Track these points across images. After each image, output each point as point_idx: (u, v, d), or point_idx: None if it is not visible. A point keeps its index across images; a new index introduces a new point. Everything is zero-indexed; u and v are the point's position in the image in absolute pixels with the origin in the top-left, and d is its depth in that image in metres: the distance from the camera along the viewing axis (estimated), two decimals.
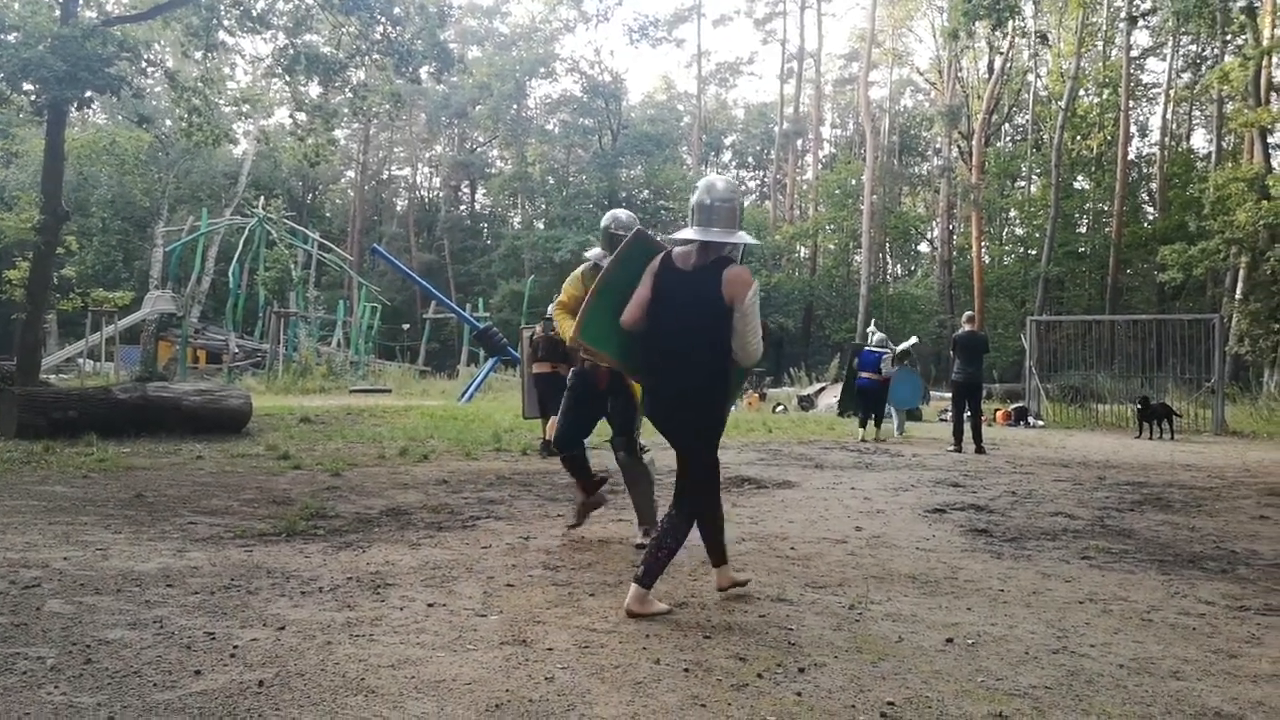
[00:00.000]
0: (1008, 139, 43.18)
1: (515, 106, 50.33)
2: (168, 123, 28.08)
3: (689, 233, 3.59)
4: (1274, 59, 23.47)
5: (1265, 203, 19.73)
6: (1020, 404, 17.33)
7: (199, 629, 3.18)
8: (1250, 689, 2.81)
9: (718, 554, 3.79)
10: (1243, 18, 22.08)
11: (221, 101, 17.04)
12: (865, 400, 12.85)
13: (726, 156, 57.06)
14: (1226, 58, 27.10)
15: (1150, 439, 13.46)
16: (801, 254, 46.02)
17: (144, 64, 13.28)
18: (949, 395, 14.23)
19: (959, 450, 11.03)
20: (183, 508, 5.75)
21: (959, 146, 39.58)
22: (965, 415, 11.42)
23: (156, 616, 3.33)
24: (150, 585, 3.79)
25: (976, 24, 17.02)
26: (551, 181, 50.67)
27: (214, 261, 32.54)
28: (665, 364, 3.58)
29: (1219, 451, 11.58)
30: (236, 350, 26.44)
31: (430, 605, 3.58)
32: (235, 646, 3.00)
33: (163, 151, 32.32)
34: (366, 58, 14.44)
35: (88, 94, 11.65)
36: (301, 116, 15.21)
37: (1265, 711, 2.62)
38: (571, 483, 5.16)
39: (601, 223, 5.00)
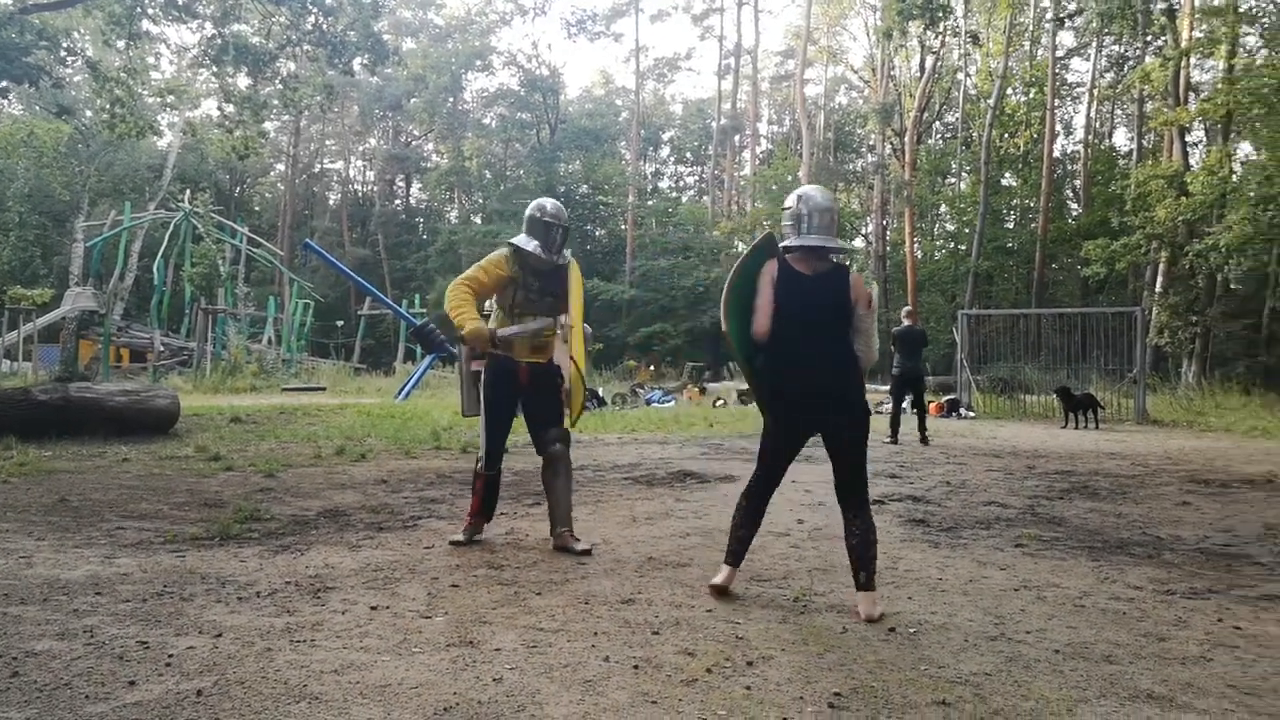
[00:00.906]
0: (939, 136, 44.06)
1: (451, 100, 49.78)
2: (89, 114, 27.14)
3: (798, 240, 3.70)
4: (1192, 60, 24.35)
5: (1183, 199, 20.46)
6: (952, 396, 17.71)
7: (131, 638, 3.08)
8: (1179, 670, 2.92)
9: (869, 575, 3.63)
10: (1163, 20, 22.87)
11: (145, 92, 16.51)
12: None
13: (665, 152, 57.16)
14: (1147, 58, 28.02)
15: (1076, 428, 13.86)
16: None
17: (63, 53, 12.82)
18: (885, 388, 14.46)
19: (895, 442, 11.22)
20: (109, 512, 5.56)
21: (892, 144, 40.26)
22: (903, 408, 11.65)
23: (86, 626, 3.21)
24: (78, 594, 3.66)
25: (910, 24, 17.35)
26: (489, 176, 50.22)
27: (138, 257, 31.55)
28: (811, 368, 3.63)
29: (1141, 440, 11.98)
30: (162, 349, 25.67)
31: (373, 608, 3.53)
32: (170, 655, 2.91)
33: (83, 143, 31.25)
34: (298, 48, 14.12)
35: (4, 84, 11.19)
36: (229, 108, 14.80)
37: (1194, 692, 2.72)
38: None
39: (527, 212, 4.76)
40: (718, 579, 3.79)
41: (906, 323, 11.99)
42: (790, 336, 3.61)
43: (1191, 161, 23.66)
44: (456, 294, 4.54)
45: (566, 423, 4.77)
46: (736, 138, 49.23)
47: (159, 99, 18.39)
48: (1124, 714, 2.54)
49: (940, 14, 13.65)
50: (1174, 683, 2.80)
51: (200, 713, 2.45)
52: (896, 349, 11.91)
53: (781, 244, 3.78)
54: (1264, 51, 22.89)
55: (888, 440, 11.31)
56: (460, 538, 4.73)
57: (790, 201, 3.81)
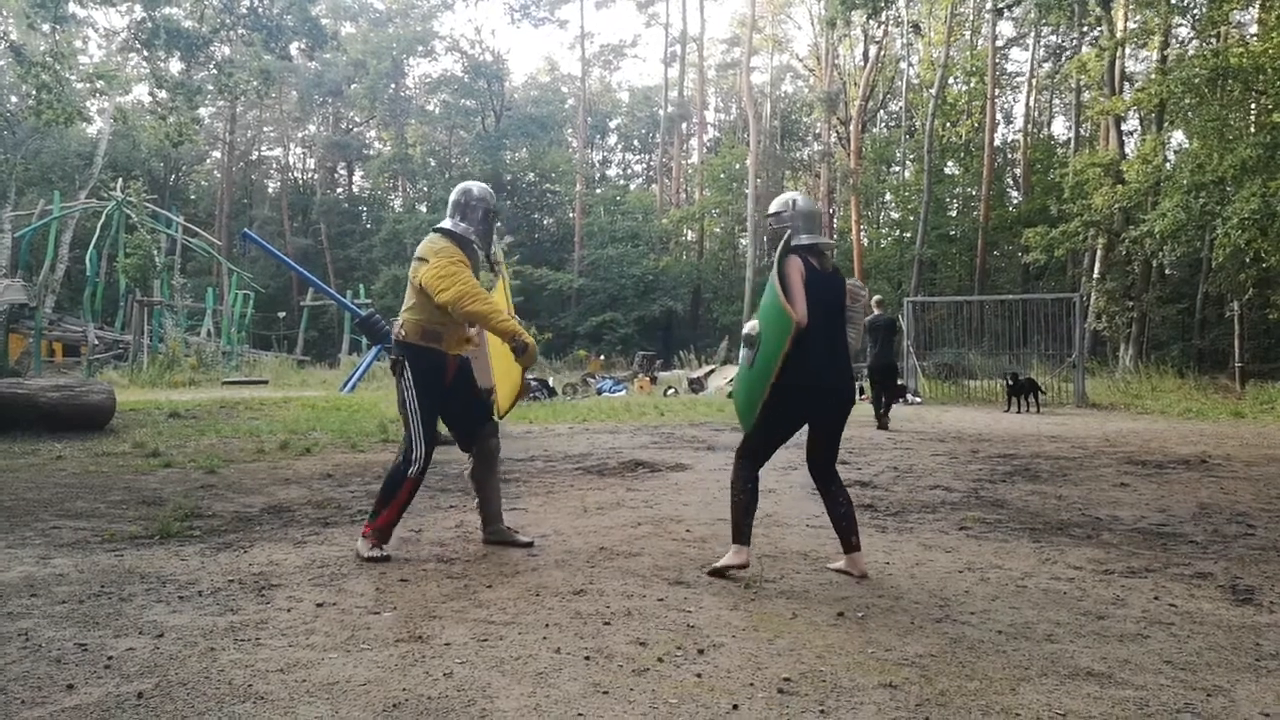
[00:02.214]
0: (883, 125, 44.55)
1: (393, 86, 49.00)
2: (13, 100, 26.27)
3: (808, 239, 3.97)
4: (1127, 50, 24.95)
5: (1119, 187, 20.97)
6: (900, 382, 17.96)
7: (69, 640, 2.99)
8: (1118, 648, 2.99)
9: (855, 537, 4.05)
10: (1098, 10, 23.35)
11: (73, 77, 15.97)
12: None
13: (612, 140, 57.01)
14: (1084, 49, 28.63)
15: (1018, 412, 14.16)
16: (689, 237, 46.53)
17: None
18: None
19: (885, 427, 11.20)
20: (44, 511, 5.39)
21: (838, 132, 40.62)
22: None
23: (21, 629, 3.11)
24: (12, 596, 3.54)
25: (853, 13, 17.49)
26: (433, 164, 49.64)
27: (69, 248, 30.62)
28: (832, 360, 3.94)
29: (1081, 423, 12.28)
30: (96, 342, 24.96)
31: (319, 605, 3.47)
32: (110, 657, 2.83)
33: (8, 130, 30.20)
34: (232, 32, 13.78)
35: None
36: (162, 94, 14.38)
37: (1132, 669, 2.79)
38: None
39: (455, 196, 4.43)
40: (739, 559, 3.91)
41: (878, 312, 12.04)
42: (816, 329, 3.78)
43: (1127, 150, 24.25)
44: (483, 296, 4.12)
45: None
46: (684, 125, 49.30)
47: (88, 84, 17.77)
48: (1064, 691, 2.60)
49: (882, 3, 13.77)
50: (1112, 660, 2.87)
51: (142, 715, 2.39)
52: (871, 338, 11.91)
53: (797, 241, 3.96)
54: (1195, 42, 23.55)
55: (879, 427, 11.25)
56: (380, 553, 4.21)
57: (778, 206, 4.06)
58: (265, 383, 21.16)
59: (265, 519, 5.28)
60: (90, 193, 31.56)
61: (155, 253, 28.48)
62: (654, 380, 22.33)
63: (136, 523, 5.06)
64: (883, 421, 11.35)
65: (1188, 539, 4.79)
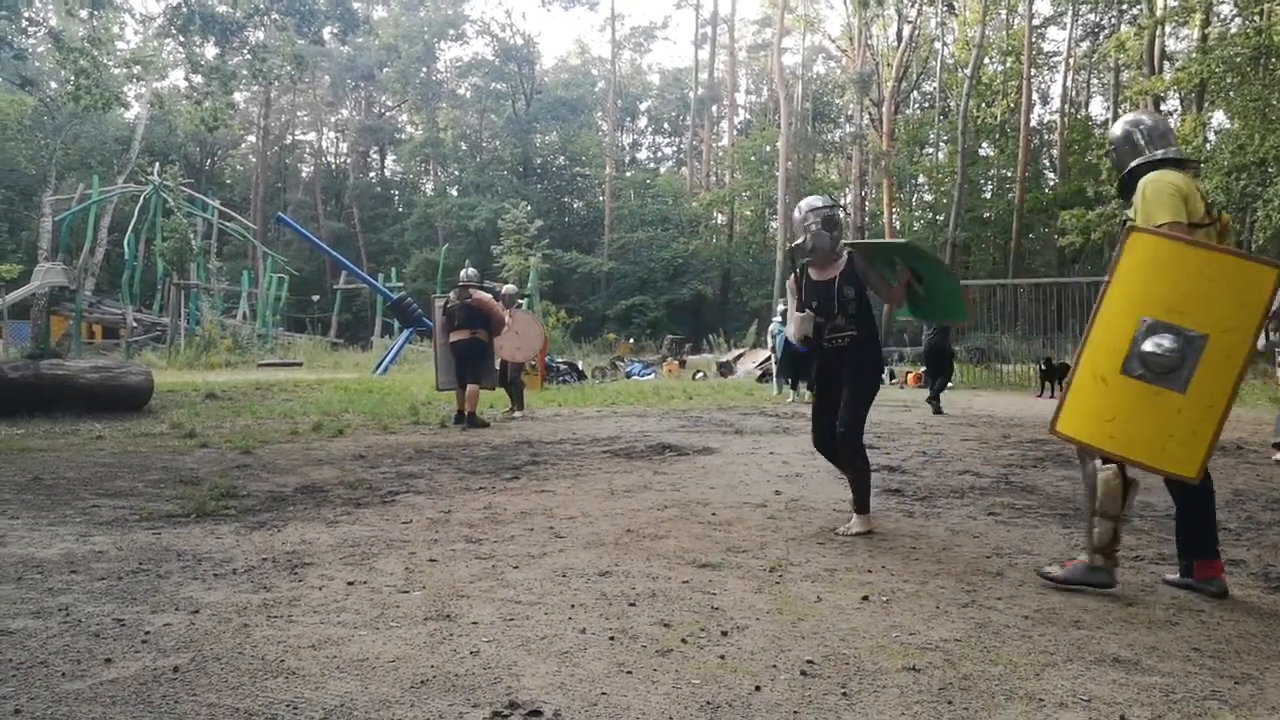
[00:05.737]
0: (916, 106, 44.02)
1: (425, 69, 49.18)
2: (53, 85, 26.68)
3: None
4: (1167, 29, 24.43)
5: None
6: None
7: (108, 616, 3.07)
8: (1145, 635, 2.97)
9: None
10: None
11: (111, 63, 16.17)
12: (798, 364, 13.06)
13: (642, 123, 56.82)
14: (1123, 27, 28.07)
15: (1051, 397, 14.00)
16: (719, 220, 46.33)
17: (25, 23, 12.53)
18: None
19: (940, 412, 11.18)
20: (84, 490, 5.52)
21: (870, 114, 40.18)
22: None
23: (62, 604, 3.20)
24: (53, 572, 3.64)
25: None
26: (464, 147, 49.79)
27: (107, 231, 31.11)
28: None
29: None
30: (134, 324, 25.39)
31: (350, 583, 3.53)
32: (147, 632, 2.90)
33: (48, 116, 30.66)
34: (265, 17, 13.89)
35: None
36: (197, 79, 14.56)
37: (1159, 655, 2.78)
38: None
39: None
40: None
41: None
42: None
43: None
44: None
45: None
46: (714, 108, 49.02)
47: (125, 70, 18.02)
48: (1090, 677, 2.59)
49: None
50: (1140, 646, 2.85)
51: (177, 689, 2.45)
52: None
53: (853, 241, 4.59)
54: (1237, 20, 23.01)
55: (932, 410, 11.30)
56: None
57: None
58: (299, 365, 21.43)
59: (299, 499, 5.37)
60: (128, 177, 32.00)
61: (192, 236, 28.89)
62: (683, 364, 22.33)
63: (174, 501, 5.16)
64: (936, 405, 11.32)
65: (1221, 526, 4.71)
